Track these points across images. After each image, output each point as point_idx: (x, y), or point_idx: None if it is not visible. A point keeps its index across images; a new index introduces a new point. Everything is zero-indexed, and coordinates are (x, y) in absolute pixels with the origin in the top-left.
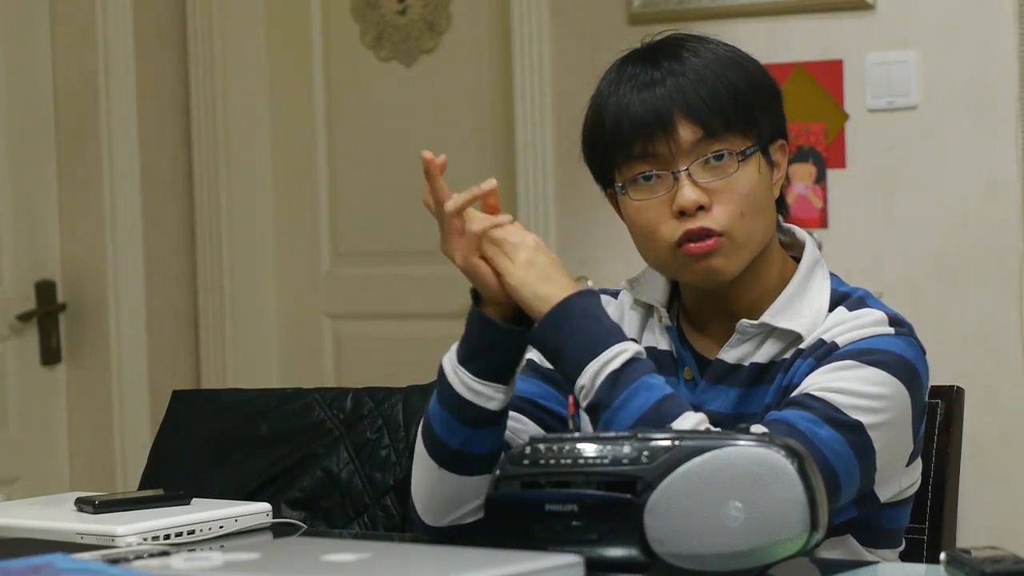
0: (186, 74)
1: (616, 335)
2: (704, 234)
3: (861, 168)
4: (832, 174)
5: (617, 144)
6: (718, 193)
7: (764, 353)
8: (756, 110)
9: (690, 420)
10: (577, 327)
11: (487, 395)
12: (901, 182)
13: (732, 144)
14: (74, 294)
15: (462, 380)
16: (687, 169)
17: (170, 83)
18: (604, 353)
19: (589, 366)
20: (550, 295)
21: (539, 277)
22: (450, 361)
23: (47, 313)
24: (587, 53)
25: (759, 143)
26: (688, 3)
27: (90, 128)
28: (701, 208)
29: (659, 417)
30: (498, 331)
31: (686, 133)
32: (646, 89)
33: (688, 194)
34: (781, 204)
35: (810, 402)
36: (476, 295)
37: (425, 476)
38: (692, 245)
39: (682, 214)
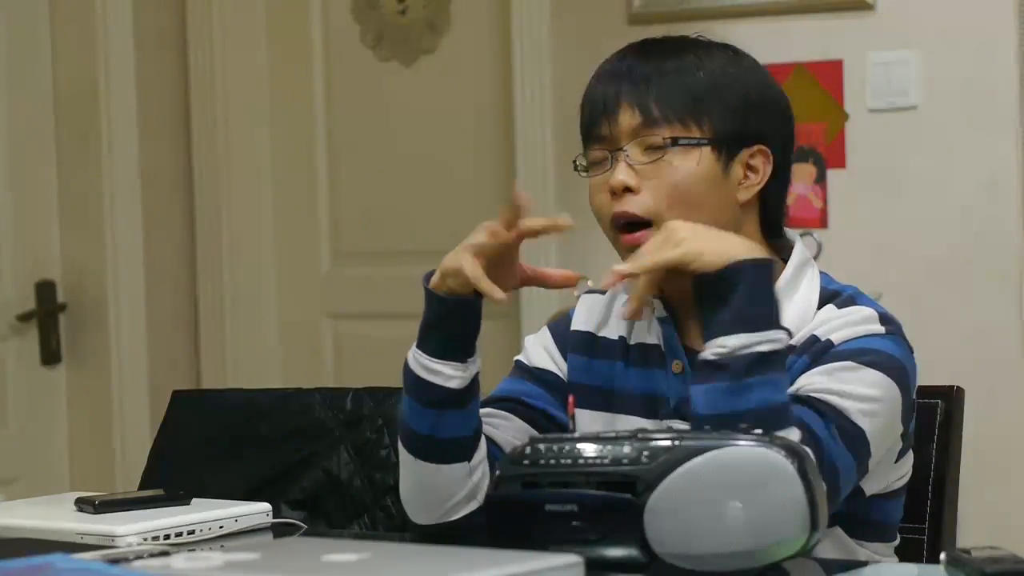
0: (186, 74)
1: (777, 319)
2: (631, 222)
3: (861, 168)
4: (832, 174)
5: (581, 129)
6: (650, 178)
7: None
8: (713, 106)
9: (793, 435)
10: (756, 292)
11: (445, 373)
12: (901, 182)
13: (674, 133)
14: (74, 294)
15: (419, 362)
16: (623, 150)
17: (170, 83)
18: (766, 332)
19: (745, 335)
20: (731, 251)
21: (713, 238)
22: (411, 348)
23: (47, 313)
24: (587, 53)
25: (710, 139)
26: (688, 3)
27: (90, 129)
28: (629, 190)
29: (775, 416)
30: (447, 304)
31: (626, 117)
32: (606, 78)
33: (617, 174)
34: (769, 211)
35: (820, 405)
36: (428, 276)
37: (405, 470)
38: (625, 236)
39: (614, 194)
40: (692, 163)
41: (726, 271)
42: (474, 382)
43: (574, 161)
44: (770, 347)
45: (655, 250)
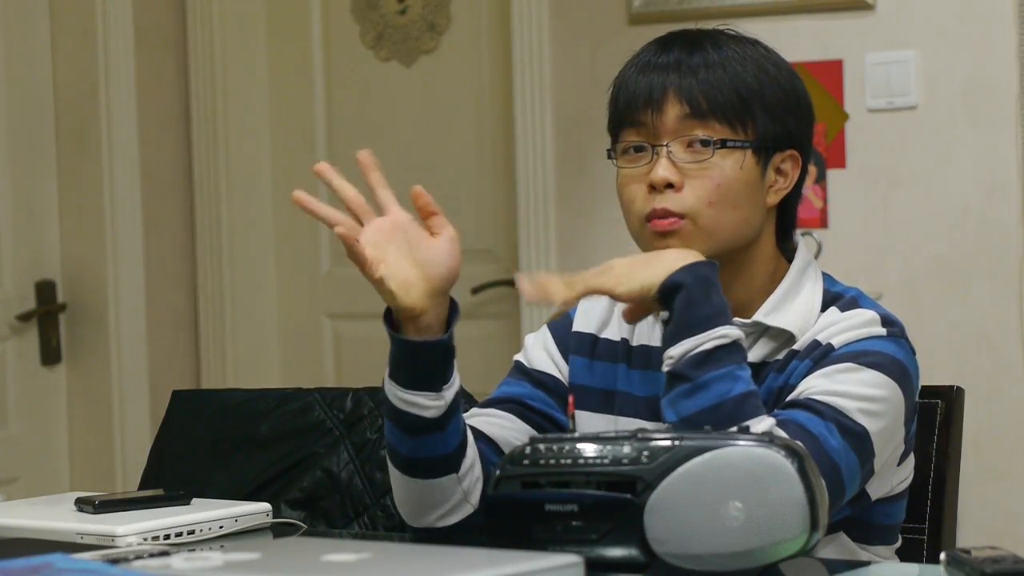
0: (186, 74)
1: (721, 315)
2: (666, 214)
3: (861, 168)
4: (832, 174)
5: (615, 114)
6: (692, 176)
7: (756, 353)
8: (757, 109)
9: (763, 424)
10: (693, 297)
11: (421, 404)
12: (901, 182)
13: (719, 133)
14: (74, 294)
15: (393, 392)
16: (667, 145)
17: (170, 83)
18: (709, 332)
19: (687, 340)
20: (664, 269)
21: (639, 264)
22: (386, 373)
23: (47, 313)
24: (587, 53)
25: (753, 141)
26: (688, 3)
27: (90, 128)
28: (671, 187)
29: (740, 406)
30: (410, 346)
31: (673, 110)
32: (651, 67)
33: (660, 171)
34: (785, 215)
35: (818, 406)
36: (388, 315)
37: (393, 481)
38: (656, 221)
39: (653, 189)
40: (736, 165)
41: (663, 288)
42: (453, 404)
43: (608, 150)
44: (716, 343)
45: (590, 277)
